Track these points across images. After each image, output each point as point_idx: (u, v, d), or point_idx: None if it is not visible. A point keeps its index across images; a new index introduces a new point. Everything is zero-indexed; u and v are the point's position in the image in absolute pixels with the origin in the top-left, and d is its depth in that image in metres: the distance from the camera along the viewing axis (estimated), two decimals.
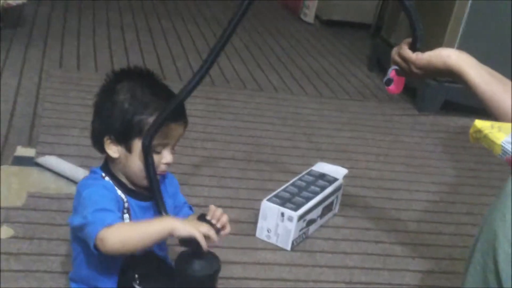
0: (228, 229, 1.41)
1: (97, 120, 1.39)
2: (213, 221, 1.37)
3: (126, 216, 1.37)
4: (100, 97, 1.39)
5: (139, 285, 1.36)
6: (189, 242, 1.27)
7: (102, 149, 1.38)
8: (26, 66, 3.05)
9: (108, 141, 1.35)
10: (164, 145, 1.37)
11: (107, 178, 1.38)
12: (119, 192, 1.37)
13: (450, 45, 3.20)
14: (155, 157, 1.35)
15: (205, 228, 1.28)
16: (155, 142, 1.33)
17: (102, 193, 1.33)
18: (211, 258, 1.34)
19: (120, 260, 1.37)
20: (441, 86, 3.30)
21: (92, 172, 1.41)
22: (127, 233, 1.27)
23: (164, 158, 1.38)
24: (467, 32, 3.19)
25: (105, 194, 1.33)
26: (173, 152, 1.41)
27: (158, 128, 1.31)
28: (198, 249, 1.29)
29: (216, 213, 1.40)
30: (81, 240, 1.38)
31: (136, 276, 1.36)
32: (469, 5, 3.15)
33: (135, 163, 1.34)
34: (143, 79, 1.39)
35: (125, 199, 1.37)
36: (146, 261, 1.39)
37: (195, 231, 1.25)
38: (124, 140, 1.34)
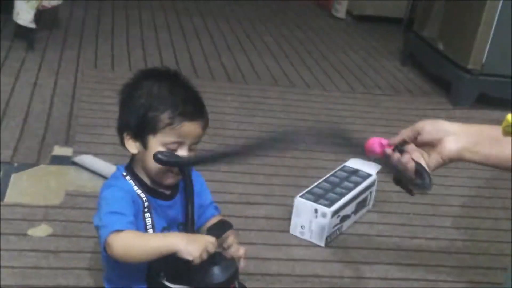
0: (242, 264, 1.41)
1: (119, 116, 1.41)
2: (225, 253, 1.37)
3: (147, 215, 1.37)
4: (122, 94, 1.40)
5: (168, 281, 1.37)
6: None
7: (123, 145, 1.40)
8: (62, 67, 3.11)
9: (128, 137, 1.37)
10: (179, 144, 1.34)
11: (128, 177, 1.39)
12: (139, 191, 1.37)
13: (482, 43, 3.17)
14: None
15: (205, 252, 1.27)
16: (170, 139, 1.33)
17: (118, 195, 1.34)
18: (226, 263, 1.35)
19: (147, 263, 1.38)
20: (475, 79, 3.26)
21: (116, 170, 1.43)
22: (131, 243, 1.28)
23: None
24: (500, 28, 3.15)
25: (122, 197, 1.34)
26: (191, 152, 1.37)
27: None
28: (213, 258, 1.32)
29: (231, 248, 1.40)
30: None
31: (162, 274, 1.37)
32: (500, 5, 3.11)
33: (151, 160, 1.33)
34: (165, 78, 1.39)
35: (144, 198, 1.37)
36: (171, 258, 1.40)
37: (196, 256, 1.25)
38: (140, 136, 1.35)
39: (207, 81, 3.19)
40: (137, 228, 1.35)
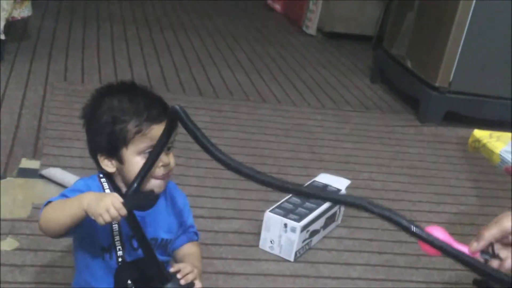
0: (198, 286, 1.38)
1: (87, 140, 1.39)
2: (179, 276, 1.35)
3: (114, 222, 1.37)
4: (84, 117, 1.39)
5: None
6: None
7: (100, 167, 1.38)
8: (31, 79, 3.08)
9: (102, 158, 1.36)
10: (154, 149, 1.31)
11: (103, 180, 1.38)
12: None
13: (450, 61, 3.23)
14: (141, 162, 1.30)
15: (106, 214, 1.22)
16: (143, 145, 1.32)
17: (79, 185, 1.36)
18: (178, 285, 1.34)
19: (113, 265, 1.37)
20: (443, 97, 3.31)
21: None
22: (51, 210, 1.30)
23: (161, 161, 1.33)
24: (467, 47, 3.21)
25: (80, 187, 1.35)
26: (168, 154, 1.36)
27: (142, 178, 1.28)
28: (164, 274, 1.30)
29: (184, 271, 1.36)
30: (79, 247, 1.40)
31: (130, 282, 1.36)
32: (467, 24, 3.17)
33: (131, 172, 1.32)
34: (123, 90, 1.37)
35: None
36: (139, 266, 1.39)
37: (96, 215, 1.23)
38: (114, 153, 1.34)
39: (178, 95, 3.19)
40: (103, 234, 1.35)
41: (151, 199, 1.37)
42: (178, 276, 1.34)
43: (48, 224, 1.30)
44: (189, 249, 1.51)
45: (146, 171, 1.28)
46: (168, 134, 1.23)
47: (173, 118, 1.18)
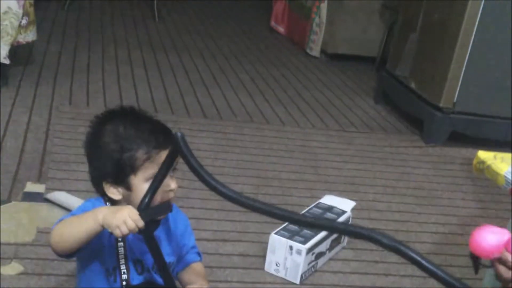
0: None
1: (90, 167, 1.40)
2: None
3: (120, 244, 1.36)
4: (87, 145, 1.40)
5: None
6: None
7: (105, 194, 1.39)
8: (36, 103, 3.09)
9: (107, 185, 1.36)
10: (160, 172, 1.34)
11: (108, 204, 1.39)
12: None
13: (454, 82, 3.24)
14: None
15: (124, 226, 1.24)
16: (152, 171, 1.32)
17: (87, 206, 1.36)
18: None
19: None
20: (447, 117, 3.31)
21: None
22: (64, 226, 1.29)
23: (165, 185, 1.35)
24: (471, 67, 3.22)
25: (89, 208, 1.35)
26: (172, 177, 1.38)
27: (150, 200, 1.29)
28: None
29: None
30: (83, 270, 1.40)
31: None
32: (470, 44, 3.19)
33: (139, 199, 1.33)
34: (125, 117, 1.38)
35: None
36: None
37: (113, 227, 1.23)
38: (121, 181, 1.35)
39: (183, 117, 3.20)
40: (109, 257, 1.35)
41: (165, 208, 1.37)
42: None
43: (61, 239, 1.30)
44: (193, 270, 1.51)
45: (154, 189, 1.29)
46: (172, 158, 1.25)
47: (176, 144, 1.19)
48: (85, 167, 2.38)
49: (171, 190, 1.37)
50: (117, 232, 1.24)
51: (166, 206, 1.36)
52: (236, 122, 3.28)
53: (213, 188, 1.12)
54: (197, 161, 1.15)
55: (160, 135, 1.35)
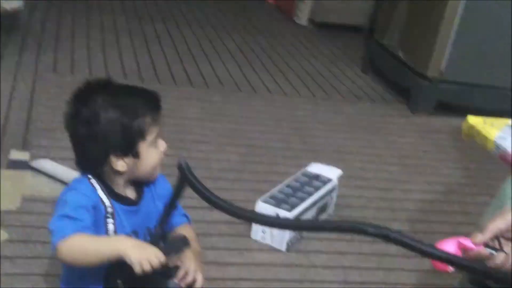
0: (198, 283, 1.39)
1: (87, 149, 1.35)
2: (177, 281, 1.36)
3: (109, 220, 1.35)
4: (78, 128, 1.35)
5: None
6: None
7: (98, 169, 1.36)
8: (20, 71, 3.05)
9: (115, 158, 1.34)
10: (158, 135, 1.37)
11: (93, 181, 1.37)
12: (102, 195, 1.35)
13: (441, 51, 3.23)
14: (155, 152, 1.36)
15: (147, 263, 1.25)
16: (154, 134, 1.34)
17: (77, 199, 1.32)
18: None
19: (104, 265, 1.37)
20: (434, 86, 3.31)
21: (82, 174, 1.41)
22: (78, 248, 1.27)
23: (161, 146, 1.37)
24: (459, 36, 3.21)
25: (79, 201, 1.32)
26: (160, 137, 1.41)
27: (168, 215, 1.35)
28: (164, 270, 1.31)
29: (181, 273, 1.38)
30: None
31: (119, 281, 1.35)
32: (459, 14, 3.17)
33: (146, 165, 1.35)
34: (108, 89, 1.36)
35: (108, 204, 1.35)
36: (130, 266, 1.39)
37: (135, 262, 1.24)
38: (130, 150, 1.34)
39: (169, 86, 3.18)
40: (98, 232, 1.34)
41: (185, 243, 1.37)
42: (175, 280, 1.36)
43: (75, 260, 1.28)
44: (183, 231, 1.50)
45: (167, 217, 1.35)
46: (181, 186, 1.30)
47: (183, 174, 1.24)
48: None
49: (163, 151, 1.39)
50: (138, 268, 1.24)
51: (186, 241, 1.37)
52: (223, 92, 3.26)
53: (230, 213, 1.14)
54: (206, 188, 1.20)
55: (152, 97, 1.36)
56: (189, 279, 1.37)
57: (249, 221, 1.13)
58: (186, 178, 1.21)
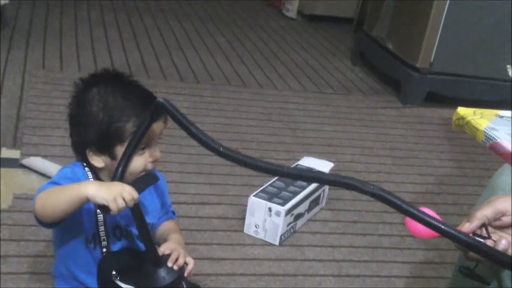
0: (191, 265, 1.39)
1: (74, 132, 1.37)
2: (170, 264, 1.35)
3: (99, 211, 1.36)
4: (73, 109, 1.36)
5: (120, 280, 1.36)
6: (105, 208, 1.24)
7: (86, 160, 1.37)
8: (9, 68, 3.03)
9: (91, 153, 1.34)
10: (147, 145, 1.34)
11: (86, 169, 1.37)
12: None
13: (431, 42, 3.23)
14: (139, 159, 1.33)
15: (120, 198, 1.22)
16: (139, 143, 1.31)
17: (68, 173, 1.34)
18: (170, 269, 1.35)
19: (97, 255, 1.36)
20: (424, 78, 3.32)
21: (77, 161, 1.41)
22: (47, 197, 1.27)
23: (151, 156, 1.35)
24: (448, 27, 3.21)
25: (69, 175, 1.33)
26: (156, 146, 1.37)
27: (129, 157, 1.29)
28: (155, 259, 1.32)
29: (173, 256, 1.37)
30: (61, 238, 1.39)
31: (114, 272, 1.35)
32: (447, 5, 3.17)
33: (125, 170, 1.31)
34: (113, 83, 1.35)
35: None
36: (124, 256, 1.39)
37: (109, 200, 1.21)
38: (106, 150, 1.33)
39: (159, 81, 3.16)
40: (88, 224, 1.34)
41: (152, 177, 1.36)
42: (169, 263, 1.35)
43: (44, 209, 1.27)
44: (168, 225, 1.51)
45: (128, 157, 1.29)
46: (149, 125, 1.24)
47: (157, 111, 1.19)
48: (60, 132, 2.37)
49: (154, 162, 1.36)
50: (114, 206, 1.21)
51: (153, 176, 1.36)
52: (213, 85, 3.25)
53: (206, 145, 1.11)
54: (186, 117, 1.14)
55: (150, 105, 1.28)
56: (181, 261, 1.36)
57: (225, 158, 1.10)
58: (167, 110, 1.17)
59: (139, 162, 1.34)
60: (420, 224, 0.96)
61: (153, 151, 1.36)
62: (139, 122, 1.29)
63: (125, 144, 1.31)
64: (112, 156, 1.33)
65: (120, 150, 1.32)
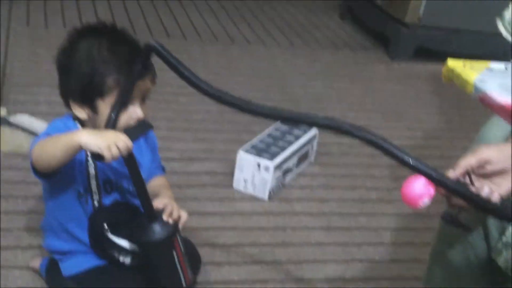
0: (184, 218, 1.39)
1: (60, 82, 1.35)
2: (165, 218, 1.35)
3: (90, 164, 1.35)
4: (59, 57, 1.34)
5: (111, 234, 1.36)
6: (99, 156, 1.21)
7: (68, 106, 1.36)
8: None
9: (74, 103, 1.33)
10: (135, 101, 1.32)
11: (77, 122, 1.37)
12: None
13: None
14: (122, 115, 1.29)
15: (114, 146, 1.20)
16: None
17: (60, 125, 1.34)
18: (165, 222, 1.35)
19: (89, 209, 1.37)
20: (413, 32, 3.30)
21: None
22: (42, 146, 1.27)
23: (134, 113, 1.32)
24: None
25: (61, 127, 1.33)
26: (143, 104, 1.35)
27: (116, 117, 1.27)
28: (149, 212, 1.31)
29: (167, 210, 1.37)
30: (52, 191, 1.39)
31: (106, 226, 1.36)
32: None
33: (103, 123, 1.29)
34: (103, 36, 1.33)
35: None
36: (115, 210, 1.39)
37: (103, 147, 1.19)
38: (87, 102, 1.31)
39: (145, 38, 3.12)
40: (80, 178, 1.34)
41: (145, 126, 1.35)
42: (164, 217, 1.35)
43: (42, 160, 1.27)
44: (158, 181, 1.51)
45: (119, 105, 1.27)
46: (140, 73, 1.24)
47: (148, 55, 1.16)
48: (46, 90, 2.35)
49: (137, 119, 1.33)
50: (108, 154, 1.19)
51: (146, 125, 1.34)
52: (200, 42, 3.22)
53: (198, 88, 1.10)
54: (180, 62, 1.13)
55: (137, 64, 1.28)
56: (175, 214, 1.37)
57: (222, 102, 1.09)
58: (159, 53, 1.15)
59: (122, 119, 1.31)
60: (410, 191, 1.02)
61: (136, 109, 1.32)
62: (122, 79, 1.27)
63: (106, 99, 1.29)
64: (94, 109, 1.31)
65: (101, 104, 1.30)
